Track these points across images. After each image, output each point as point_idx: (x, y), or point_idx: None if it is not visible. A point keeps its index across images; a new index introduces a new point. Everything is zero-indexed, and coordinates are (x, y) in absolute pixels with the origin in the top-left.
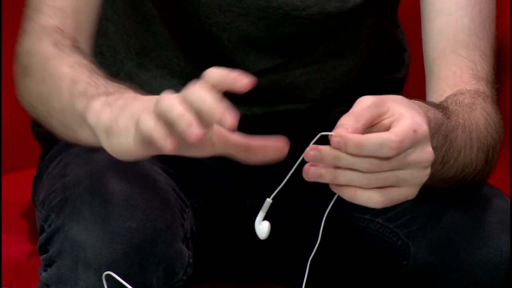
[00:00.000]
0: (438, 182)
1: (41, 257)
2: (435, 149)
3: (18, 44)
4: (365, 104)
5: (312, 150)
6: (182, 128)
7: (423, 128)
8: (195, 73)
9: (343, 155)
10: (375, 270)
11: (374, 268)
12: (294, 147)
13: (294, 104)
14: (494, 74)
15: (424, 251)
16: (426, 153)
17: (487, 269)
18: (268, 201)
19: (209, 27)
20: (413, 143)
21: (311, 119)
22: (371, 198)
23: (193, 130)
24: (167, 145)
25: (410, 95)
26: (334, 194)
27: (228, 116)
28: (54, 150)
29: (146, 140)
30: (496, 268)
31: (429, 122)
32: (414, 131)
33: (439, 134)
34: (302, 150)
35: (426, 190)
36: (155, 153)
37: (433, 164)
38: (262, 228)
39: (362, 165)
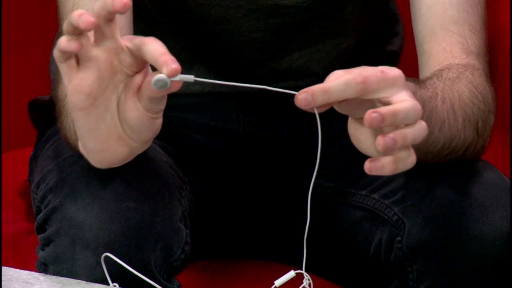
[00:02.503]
0: (426, 155)
1: (39, 236)
2: None
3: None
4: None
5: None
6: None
7: (394, 72)
8: (192, 57)
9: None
10: (371, 246)
11: (370, 243)
12: (293, 123)
13: (294, 81)
14: (486, 47)
15: (418, 227)
16: (405, 98)
17: (482, 245)
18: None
19: (201, 21)
20: (383, 83)
21: None
22: (386, 167)
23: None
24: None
25: (406, 67)
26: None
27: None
28: (50, 131)
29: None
30: (491, 243)
31: None
32: (382, 72)
33: None
34: (300, 126)
35: (421, 166)
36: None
37: None
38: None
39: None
